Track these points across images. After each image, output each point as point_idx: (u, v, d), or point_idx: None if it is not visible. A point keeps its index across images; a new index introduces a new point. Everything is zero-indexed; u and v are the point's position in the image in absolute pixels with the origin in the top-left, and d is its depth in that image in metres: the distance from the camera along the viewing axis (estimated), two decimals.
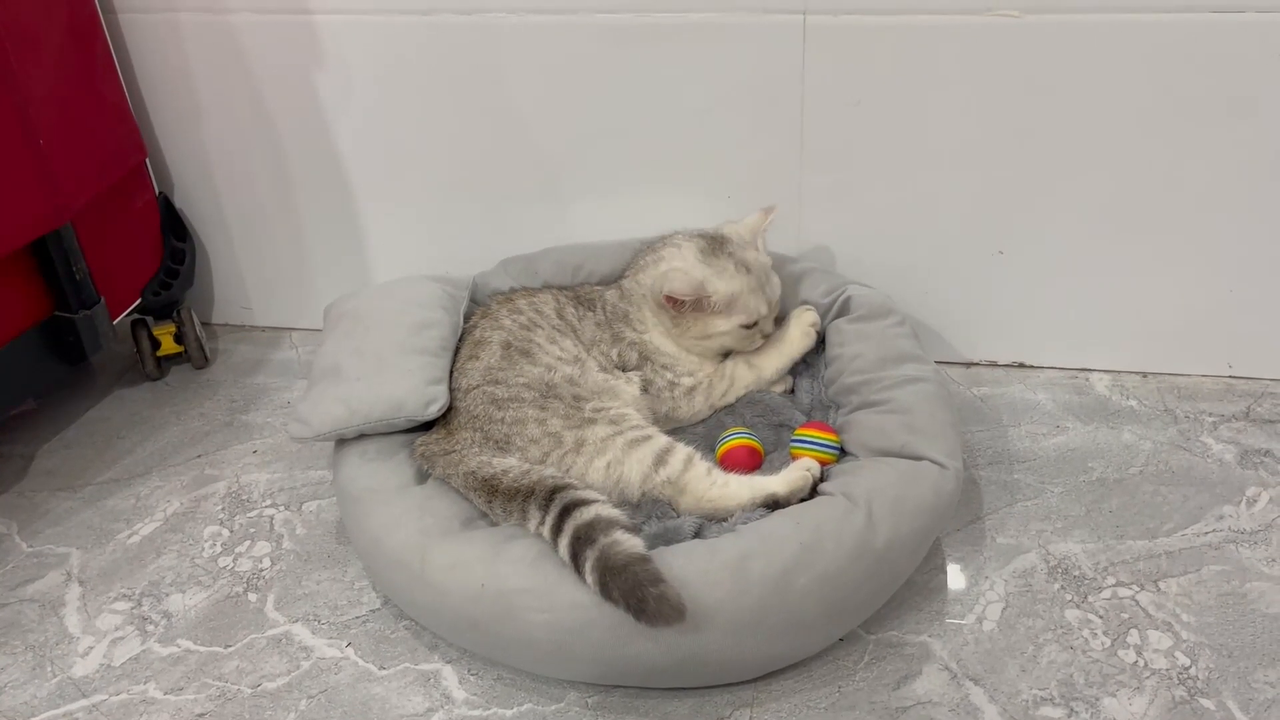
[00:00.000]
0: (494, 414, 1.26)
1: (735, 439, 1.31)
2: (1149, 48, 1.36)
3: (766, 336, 1.42)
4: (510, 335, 1.35)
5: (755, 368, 1.42)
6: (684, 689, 1.12)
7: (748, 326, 1.38)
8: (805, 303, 1.49)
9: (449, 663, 1.18)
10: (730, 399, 1.41)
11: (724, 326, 1.37)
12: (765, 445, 1.33)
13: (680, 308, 1.36)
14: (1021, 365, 1.63)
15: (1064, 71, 1.39)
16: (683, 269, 1.37)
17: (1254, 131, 1.38)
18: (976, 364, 1.64)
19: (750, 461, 1.29)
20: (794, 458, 1.27)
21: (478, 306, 1.50)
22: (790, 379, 1.46)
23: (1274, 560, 1.24)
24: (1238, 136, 1.39)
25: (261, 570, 1.32)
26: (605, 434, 1.23)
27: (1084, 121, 1.42)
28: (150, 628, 1.25)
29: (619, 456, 1.21)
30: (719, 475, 1.21)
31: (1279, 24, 1.31)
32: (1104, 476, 1.39)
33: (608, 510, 1.09)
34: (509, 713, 1.12)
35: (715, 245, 1.39)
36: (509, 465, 1.19)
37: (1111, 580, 1.23)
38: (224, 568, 1.33)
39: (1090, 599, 1.20)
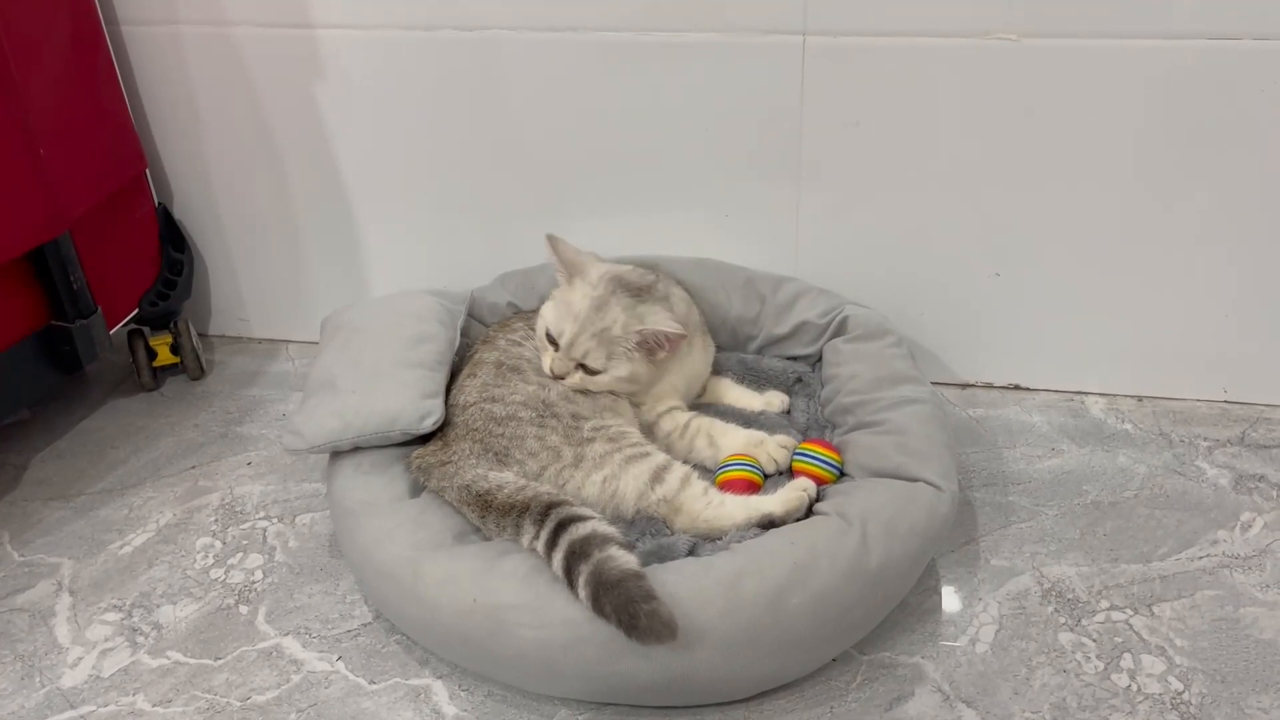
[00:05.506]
0: (494, 429, 1.26)
1: (734, 470, 1.29)
2: (1146, 73, 1.37)
3: (554, 376, 1.32)
4: (502, 354, 1.36)
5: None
6: (675, 708, 1.12)
7: (549, 338, 1.34)
8: (804, 324, 1.49)
9: (440, 678, 1.17)
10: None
11: (543, 310, 1.37)
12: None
13: (556, 258, 1.38)
14: (1017, 387, 1.63)
15: (1061, 95, 1.40)
16: (578, 249, 1.41)
17: (1251, 156, 1.39)
18: (972, 385, 1.64)
19: (748, 493, 1.26)
20: (795, 471, 1.27)
21: (475, 321, 1.50)
22: (786, 399, 1.46)
23: (1268, 586, 1.24)
24: (1234, 161, 1.40)
25: (253, 583, 1.31)
26: (603, 450, 1.23)
27: (1081, 145, 1.43)
28: (140, 639, 1.24)
29: (615, 472, 1.21)
30: (715, 495, 1.21)
31: (1275, 51, 1.32)
32: (1099, 500, 1.39)
33: (603, 526, 1.09)
34: None
35: (635, 284, 1.36)
36: (504, 480, 1.19)
37: (1105, 604, 1.22)
38: (215, 580, 1.32)
39: (1084, 622, 1.20)
